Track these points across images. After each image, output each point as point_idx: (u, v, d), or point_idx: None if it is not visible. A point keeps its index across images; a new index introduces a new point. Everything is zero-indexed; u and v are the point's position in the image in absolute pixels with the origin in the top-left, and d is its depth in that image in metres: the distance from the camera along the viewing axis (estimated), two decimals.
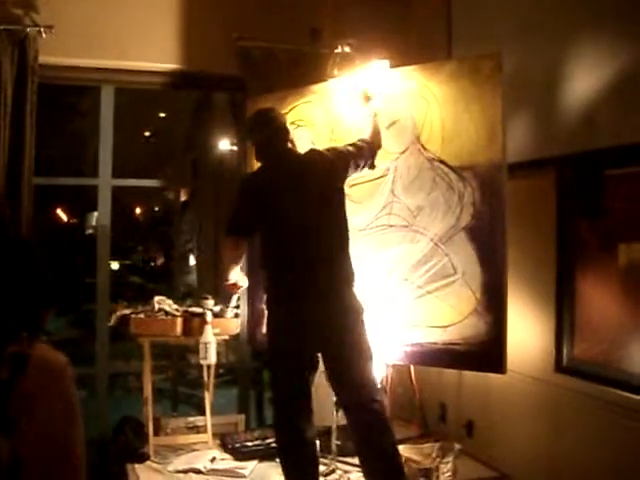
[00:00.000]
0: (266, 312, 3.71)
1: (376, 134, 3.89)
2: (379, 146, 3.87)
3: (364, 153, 3.77)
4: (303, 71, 4.64)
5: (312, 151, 3.80)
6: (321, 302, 3.51)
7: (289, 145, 3.75)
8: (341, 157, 3.70)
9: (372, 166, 3.85)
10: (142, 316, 4.33)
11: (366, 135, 3.87)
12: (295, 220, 3.58)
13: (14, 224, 4.30)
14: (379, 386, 3.62)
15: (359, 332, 3.54)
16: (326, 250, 3.59)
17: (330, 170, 3.65)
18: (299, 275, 3.53)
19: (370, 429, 3.46)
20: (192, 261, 12.52)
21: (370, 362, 3.55)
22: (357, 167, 3.76)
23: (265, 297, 3.72)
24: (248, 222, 3.72)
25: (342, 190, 3.71)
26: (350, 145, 3.79)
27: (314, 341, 3.56)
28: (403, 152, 3.89)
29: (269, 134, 3.71)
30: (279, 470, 4.00)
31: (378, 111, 3.95)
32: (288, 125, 3.84)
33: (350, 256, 3.64)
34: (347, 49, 4.16)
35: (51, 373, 1.83)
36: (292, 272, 3.55)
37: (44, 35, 4.39)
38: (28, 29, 4.37)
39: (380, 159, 3.92)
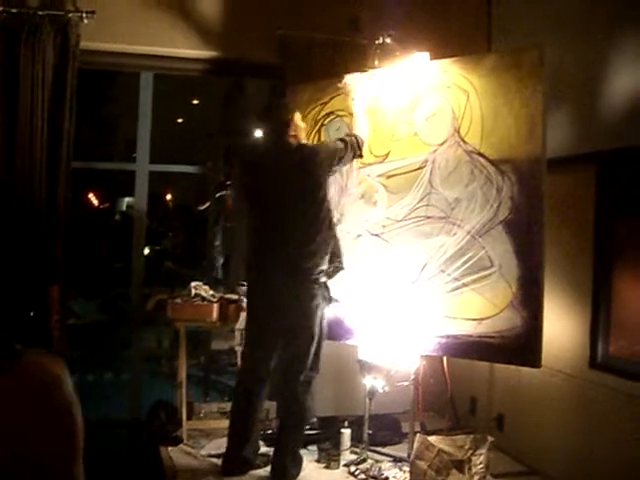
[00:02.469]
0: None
1: (360, 129, 4.17)
2: (362, 141, 4.13)
3: (353, 146, 4.05)
4: (343, 61, 4.65)
5: (303, 145, 3.99)
6: (289, 289, 3.80)
7: (291, 135, 3.95)
8: (329, 154, 3.96)
9: (360, 156, 4.13)
10: (179, 301, 4.38)
11: (355, 129, 4.16)
12: (275, 209, 3.88)
13: (50, 206, 4.33)
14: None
15: (314, 325, 3.81)
16: (300, 242, 3.81)
17: (315, 165, 3.87)
18: (271, 263, 3.83)
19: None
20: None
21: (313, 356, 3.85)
22: (341, 161, 4.02)
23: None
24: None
25: (325, 185, 3.91)
26: (340, 140, 4.05)
27: (278, 327, 3.87)
28: (442, 144, 3.88)
29: (278, 126, 3.97)
30: (310, 457, 4.05)
31: (360, 108, 4.18)
32: (295, 118, 4.00)
33: (326, 250, 3.85)
34: (388, 40, 4.15)
35: (40, 387, 1.38)
36: (266, 258, 3.87)
37: (86, 20, 4.42)
38: (70, 14, 4.41)
39: (418, 151, 3.96)
